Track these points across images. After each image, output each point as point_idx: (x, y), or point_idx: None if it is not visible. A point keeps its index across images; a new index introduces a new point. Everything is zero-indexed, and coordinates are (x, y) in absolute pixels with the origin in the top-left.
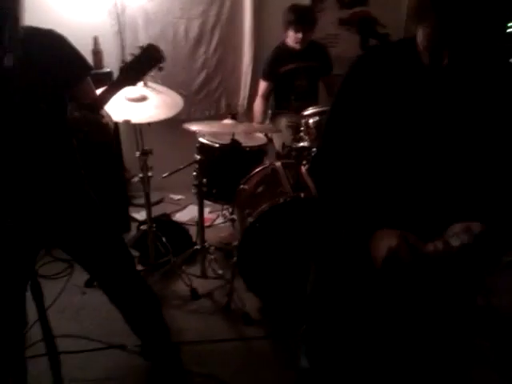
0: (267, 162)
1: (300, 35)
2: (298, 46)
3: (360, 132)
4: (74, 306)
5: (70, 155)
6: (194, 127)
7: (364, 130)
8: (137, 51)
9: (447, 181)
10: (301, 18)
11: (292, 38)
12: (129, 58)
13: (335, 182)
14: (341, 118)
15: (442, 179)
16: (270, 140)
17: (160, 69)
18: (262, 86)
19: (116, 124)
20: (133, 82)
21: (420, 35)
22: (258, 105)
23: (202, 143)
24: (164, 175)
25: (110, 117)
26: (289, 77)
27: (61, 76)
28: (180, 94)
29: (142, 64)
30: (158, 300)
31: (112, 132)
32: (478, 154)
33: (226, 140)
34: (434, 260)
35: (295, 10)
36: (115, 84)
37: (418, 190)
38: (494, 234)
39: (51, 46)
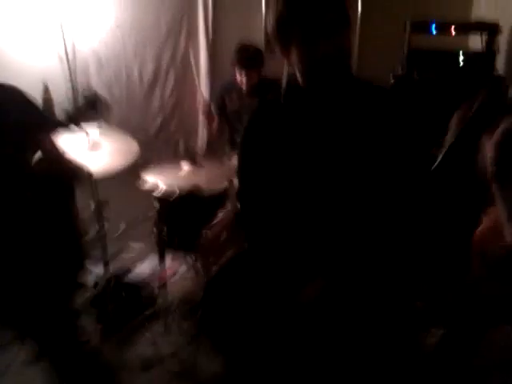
0: (229, 206)
1: (243, 76)
2: (243, 86)
3: (269, 170)
4: (22, 382)
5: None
6: (150, 179)
7: (271, 167)
8: (79, 99)
9: (342, 194)
10: (244, 60)
11: (238, 78)
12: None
13: (259, 225)
14: (249, 163)
15: (338, 193)
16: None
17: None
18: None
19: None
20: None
21: (294, 58)
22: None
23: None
24: (117, 234)
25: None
26: (236, 116)
27: (22, 131)
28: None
29: (80, 113)
30: (110, 372)
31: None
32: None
33: (187, 184)
34: None
35: (240, 50)
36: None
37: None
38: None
39: (12, 102)
